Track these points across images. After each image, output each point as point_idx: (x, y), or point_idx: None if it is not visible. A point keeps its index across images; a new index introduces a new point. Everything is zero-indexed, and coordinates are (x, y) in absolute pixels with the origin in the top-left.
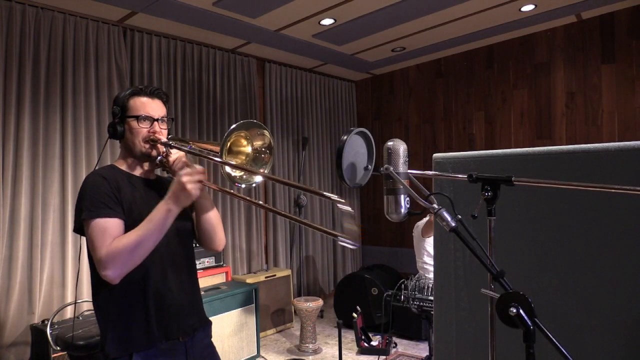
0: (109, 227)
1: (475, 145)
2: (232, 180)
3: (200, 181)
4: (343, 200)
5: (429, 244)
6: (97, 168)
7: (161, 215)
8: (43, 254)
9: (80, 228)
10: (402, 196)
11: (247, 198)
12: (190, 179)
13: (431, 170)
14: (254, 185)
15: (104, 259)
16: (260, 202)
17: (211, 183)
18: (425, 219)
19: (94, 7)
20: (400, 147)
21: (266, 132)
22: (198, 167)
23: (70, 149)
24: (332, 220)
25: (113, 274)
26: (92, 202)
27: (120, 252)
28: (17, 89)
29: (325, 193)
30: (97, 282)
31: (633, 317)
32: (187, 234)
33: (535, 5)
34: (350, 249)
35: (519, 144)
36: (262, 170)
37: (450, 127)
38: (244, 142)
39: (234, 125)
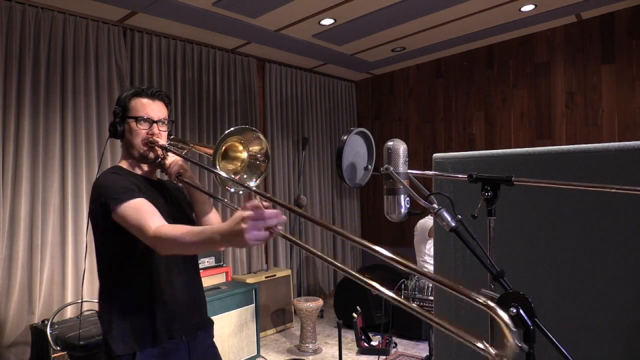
0: (141, 205)
1: (475, 145)
2: (223, 183)
3: (269, 229)
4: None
5: (429, 245)
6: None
7: (205, 239)
8: (43, 254)
9: (106, 225)
10: (402, 196)
11: (290, 238)
12: (252, 225)
13: (431, 170)
14: (240, 192)
15: (152, 236)
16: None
17: (281, 232)
18: (427, 219)
19: (94, 7)
20: (400, 147)
21: (261, 136)
22: (270, 211)
23: (70, 149)
24: (332, 219)
25: (161, 249)
26: (115, 191)
27: (166, 238)
28: (17, 89)
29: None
30: (103, 280)
31: (633, 318)
32: None
33: (535, 5)
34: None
35: (519, 144)
36: (252, 184)
37: (450, 127)
38: (240, 147)
39: (227, 131)
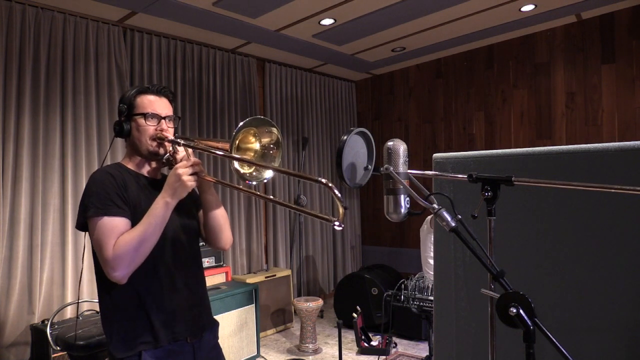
0: (117, 226)
1: (475, 145)
2: (242, 177)
3: (195, 173)
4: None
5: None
6: (103, 166)
7: (159, 209)
8: (43, 254)
9: (84, 224)
10: (402, 196)
11: (246, 189)
12: (185, 170)
13: (431, 170)
14: (264, 181)
15: (111, 260)
16: (259, 193)
17: (208, 175)
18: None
19: (94, 7)
20: (400, 147)
21: (274, 130)
22: (194, 158)
23: (70, 149)
24: None
25: (120, 274)
26: (99, 200)
27: (125, 252)
28: (17, 89)
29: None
30: (103, 281)
31: (633, 318)
32: (193, 233)
33: (535, 5)
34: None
35: (519, 144)
36: (272, 164)
37: (450, 127)
38: (252, 139)
39: (244, 121)
